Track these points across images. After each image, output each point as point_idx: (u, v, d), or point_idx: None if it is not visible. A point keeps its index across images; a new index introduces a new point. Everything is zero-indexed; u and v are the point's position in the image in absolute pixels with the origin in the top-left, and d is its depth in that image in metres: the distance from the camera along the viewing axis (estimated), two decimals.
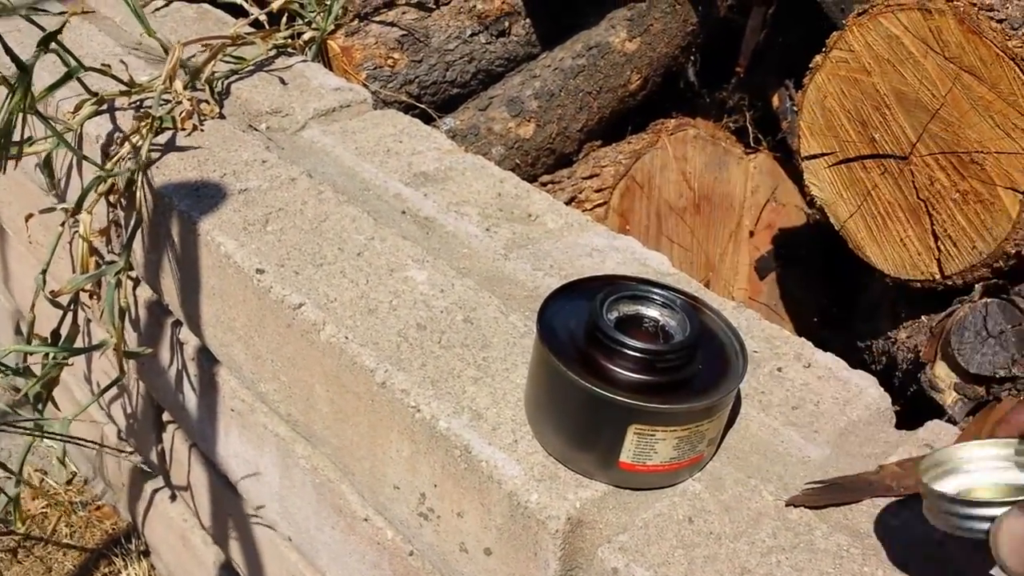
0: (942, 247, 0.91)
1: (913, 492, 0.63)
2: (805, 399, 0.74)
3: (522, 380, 0.73)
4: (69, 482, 1.59)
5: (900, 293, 1.02)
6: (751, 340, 0.79)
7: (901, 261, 0.96)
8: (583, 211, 1.22)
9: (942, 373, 0.85)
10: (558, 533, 0.62)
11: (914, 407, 0.93)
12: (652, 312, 0.66)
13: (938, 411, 0.88)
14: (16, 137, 1.06)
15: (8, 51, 0.88)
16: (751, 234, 1.51)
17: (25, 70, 0.87)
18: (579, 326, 0.64)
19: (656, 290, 0.66)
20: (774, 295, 1.45)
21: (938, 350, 0.86)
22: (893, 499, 0.64)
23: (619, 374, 0.61)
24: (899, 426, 0.74)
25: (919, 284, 0.95)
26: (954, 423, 0.83)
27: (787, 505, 0.64)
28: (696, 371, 0.62)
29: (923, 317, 0.96)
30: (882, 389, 0.76)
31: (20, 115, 0.90)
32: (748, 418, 0.72)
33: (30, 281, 1.10)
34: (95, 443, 1.36)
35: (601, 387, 0.59)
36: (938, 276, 0.93)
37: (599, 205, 1.27)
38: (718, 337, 0.67)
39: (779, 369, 0.77)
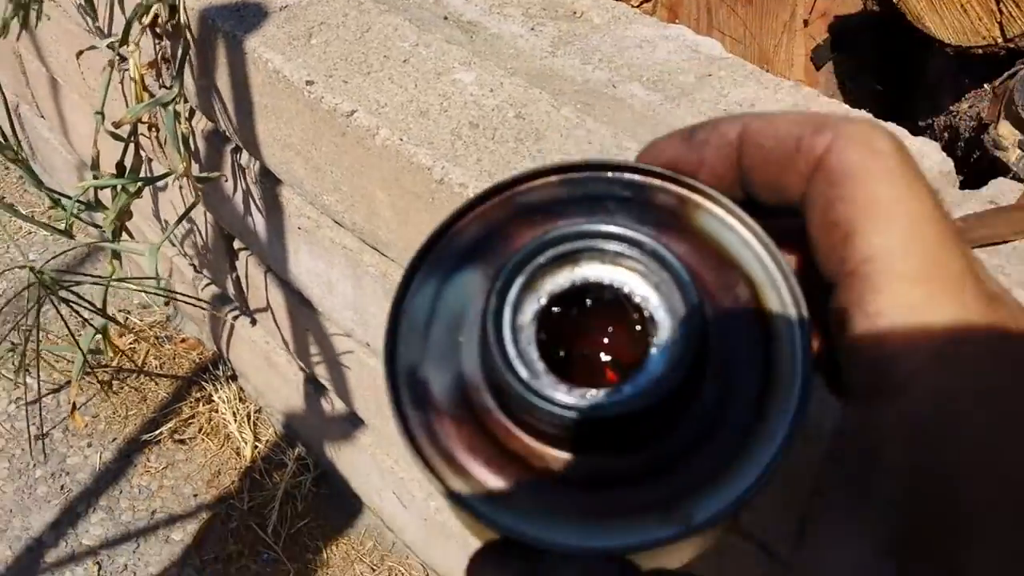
0: (1004, 9, 0.88)
1: (978, 244, 0.64)
2: None
3: None
4: (168, 302, 1.65)
5: (961, 68, 0.99)
6: None
7: (962, 28, 0.93)
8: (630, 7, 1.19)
9: (1006, 131, 0.83)
10: None
11: (977, 176, 0.92)
12: (616, 275, 0.28)
13: (1002, 172, 0.87)
14: None
15: None
16: (805, 23, 1.46)
17: None
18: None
19: (607, 227, 0.28)
20: (831, 85, 1.42)
21: (1001, 110, 0.84)
22: None
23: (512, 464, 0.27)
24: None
25: (981, 51, 0.92)
26: (1020, 180, 0.82)
27: None
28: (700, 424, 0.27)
29: (985, 85, 0.93)
30: (944, 154, 0.75)
31: None
32: None
33: (87, 129, 1.13)
34: (173, 292, 1.42)
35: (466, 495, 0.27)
36: (1000, 40, 0.90)
37: (646, 1, 1.23)
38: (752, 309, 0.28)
39: None
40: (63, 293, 1.00)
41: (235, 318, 1.47)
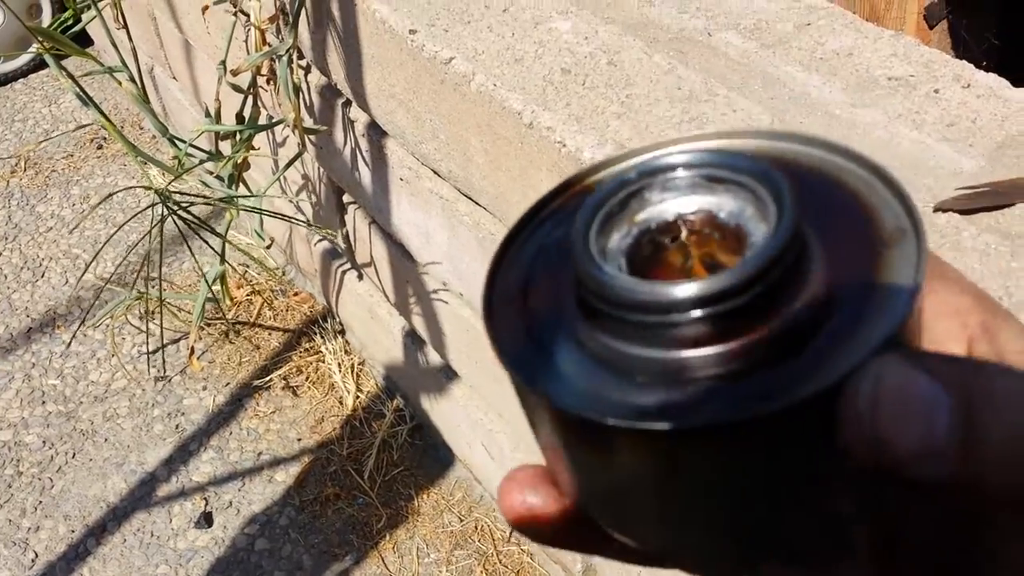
0: None
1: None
2: (961, 116, 0.71)
3: (665, 114, 0.74)
4: (283, 257, 1.70)
5: None
6: (907, 64, 0.76)
7: None
8: None
9: None
10: None
11: None
12: (706, 198, 0.25)
13: None
14: None
15: None
16: None
17: None
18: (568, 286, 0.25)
19: (691, 149, 0.26)
20: (945, 43, 1.37)
21: None
22: None
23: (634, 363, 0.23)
24: None
25: None
26: None
27: (935, 211, 0.63)
28: (817, 295, 0.23)
29: None
30: None
31: None
32: (899, 136, 0.70)
33: (214, 88, 1.19)
34: (288, 217, 1.48)
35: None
36: None
37: None
38: (856, 195, 0.25)
39: (936, 91, 0.74)
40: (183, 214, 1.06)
41: (344, 272, 1.52)
